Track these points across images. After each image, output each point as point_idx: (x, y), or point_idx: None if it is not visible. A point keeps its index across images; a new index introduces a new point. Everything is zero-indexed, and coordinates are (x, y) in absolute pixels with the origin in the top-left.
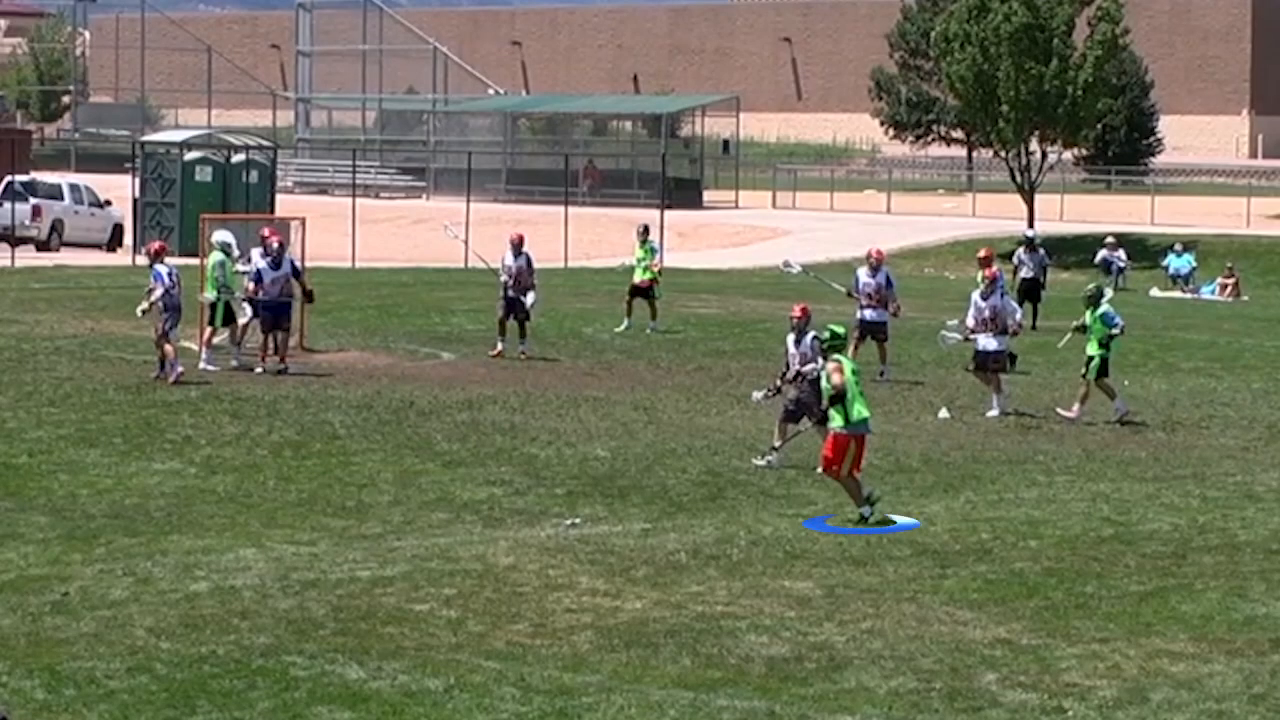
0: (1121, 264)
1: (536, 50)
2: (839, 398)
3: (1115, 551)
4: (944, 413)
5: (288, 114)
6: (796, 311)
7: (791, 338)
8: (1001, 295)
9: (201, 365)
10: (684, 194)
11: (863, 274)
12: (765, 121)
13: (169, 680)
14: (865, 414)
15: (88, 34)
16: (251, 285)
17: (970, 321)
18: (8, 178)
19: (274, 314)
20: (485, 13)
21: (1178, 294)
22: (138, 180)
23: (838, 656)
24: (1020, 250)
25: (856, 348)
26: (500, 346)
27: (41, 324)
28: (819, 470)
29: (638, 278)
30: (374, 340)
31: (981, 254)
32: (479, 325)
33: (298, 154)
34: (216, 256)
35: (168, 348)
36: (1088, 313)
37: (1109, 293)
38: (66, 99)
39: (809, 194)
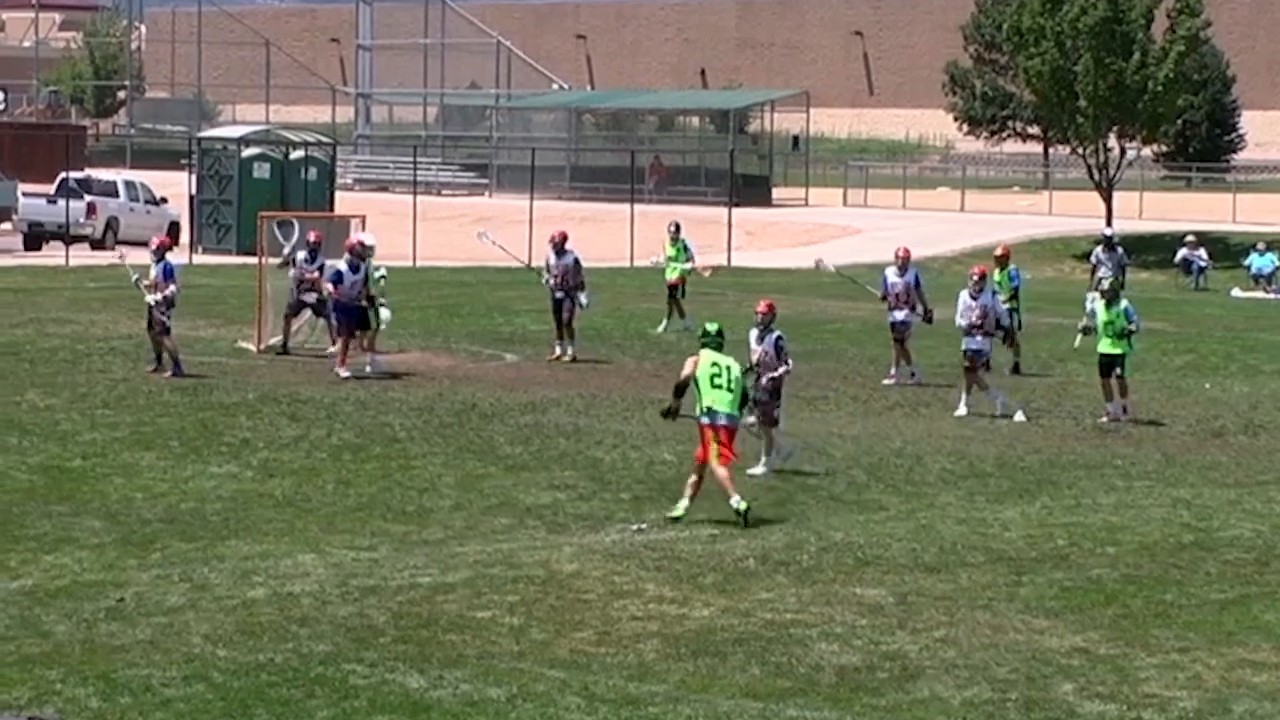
0: (1202, 263)
1: (602, 44)
2: (682, 388)
3: (1195, 558)
4: (1019, 415)
5: (347, 109)
6: (762, 307)
7: (755, 334)
8: (992, 295)
9: (368, 370)
10: (752, 191)
11: (890, 274)
12: (836, 117)
13: (226, 689)
14: (711, 405)
15: (143, 28)
16: (330, 287)
17: (960, 321)
18: (62, 174)
19: (352, 317)
20: (549, 6)
21: (1260, 294)
22: (194, 177)
23: (910, 666)
24: (1098, 250)
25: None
26: (558, 350)
27: (96, 324)
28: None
29: (671, 276)
30: (435, 341)
31: (999, 252)
32: (543, 326)
33: (357, 150)
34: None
35: (167, 342)
36: (1104, 309)
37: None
38: (122, 94)
39: (881, 191)
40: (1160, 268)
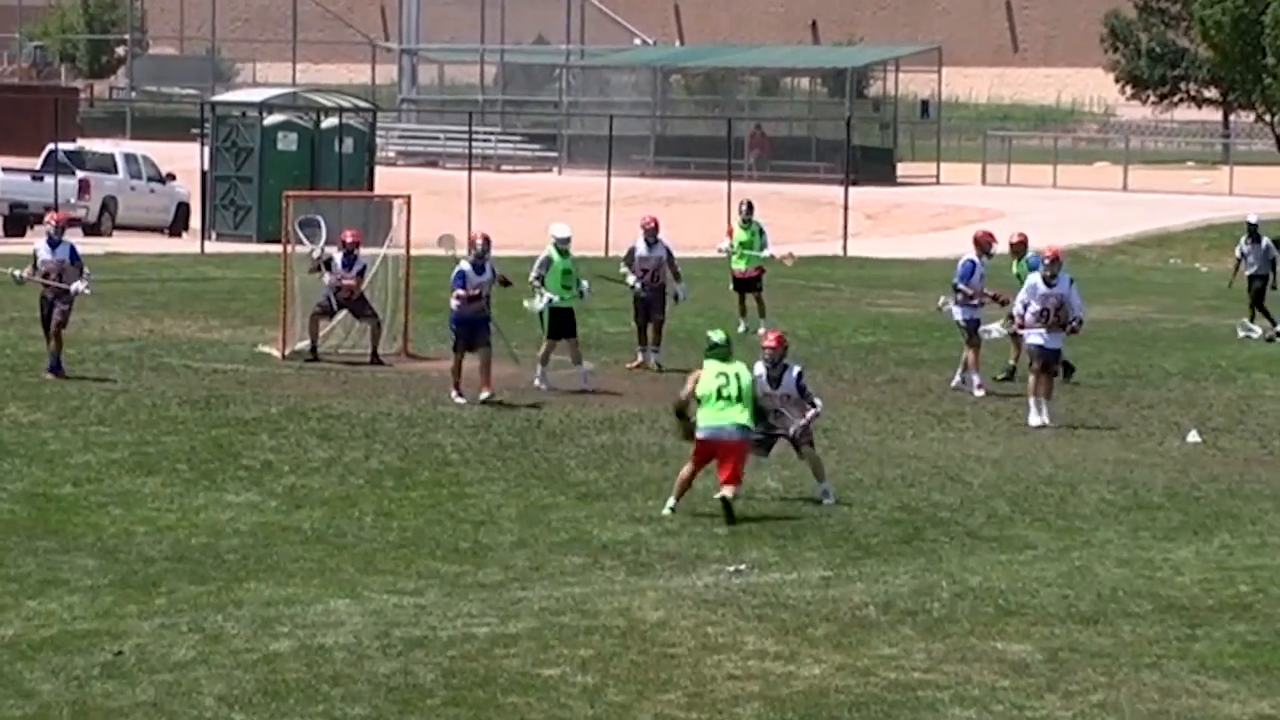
0: None
1: None
2: (681, 409)
3: None
4: (1194, 436)
5: (390, 69)
6: (771, 341)
7: (763, 372)
8: (1070, 284)
9: (535, 383)
10: (873, 167)
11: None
12: (973, 78)
13: None
14: (716, 422)
15: None
16: (459, 293)
17: (1019, 309)
18: (50, 146)
19: (470, 328)
20: None
21: None
22: (207, 150)
23: None
24: (1243, 241)
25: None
26: (640, 357)
27: (90, 325)
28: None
29: (739, 267)
30: (495, 346)
31: (1014, 239)
32: (621, 327)
33: (402, 118)
34: (549, 255)
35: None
36: None
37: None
38: (121, 50)
39: (1026, 167)
40: None
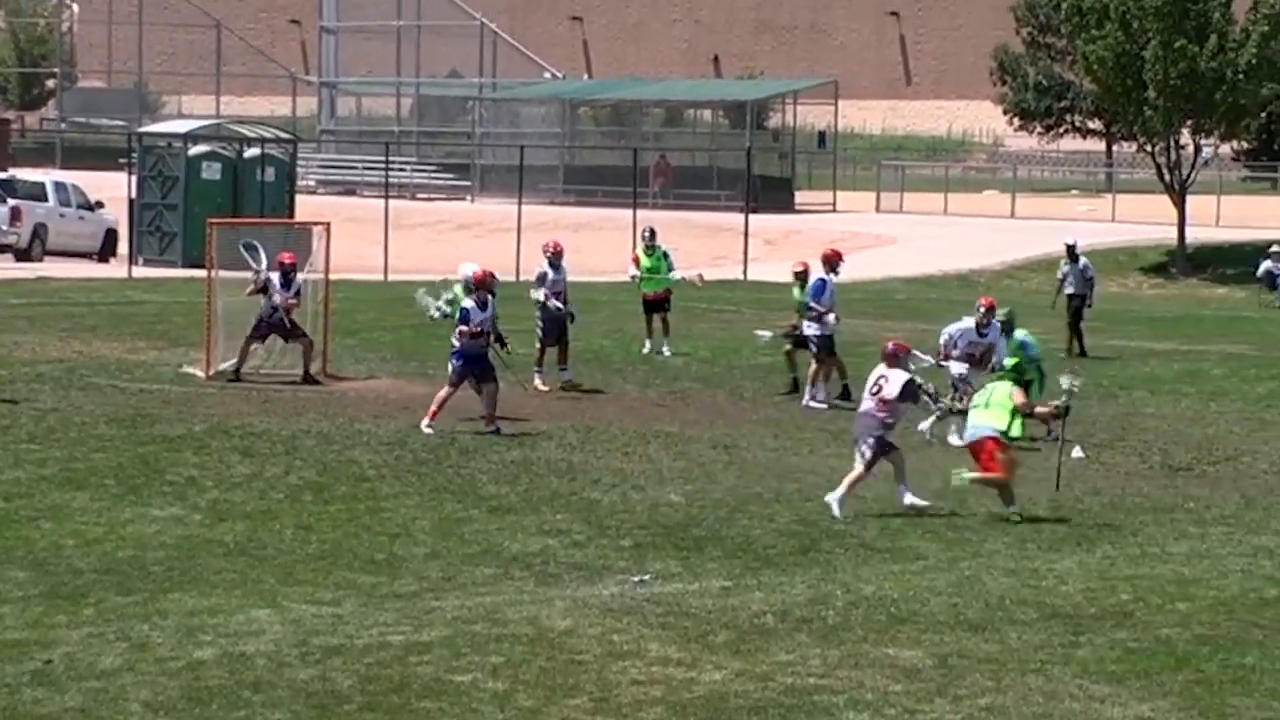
0: None
1: (600, 27)
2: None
3: None
4: (1077, 451)
5: (310, 101)
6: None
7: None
8: (999, 334)
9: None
10: (772, 195)
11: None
12: (868, 110)
13: None
14: (973, 423)
15: (75, 6)
16: (461, 329)
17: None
18: None
19: (475, 364)
20: None
21: None
22: (134, 179)
23: None
24: (1063, 262)
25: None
26: (541, 380)
27: (21, 346)
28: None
29: (649, 290)
30: (409, 366)
31: (797, 267)
32: (532, 349)
33: (321, 148)
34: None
35: None
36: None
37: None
38: (51, 83)
39: (919, 195)
40: (1240, 282)
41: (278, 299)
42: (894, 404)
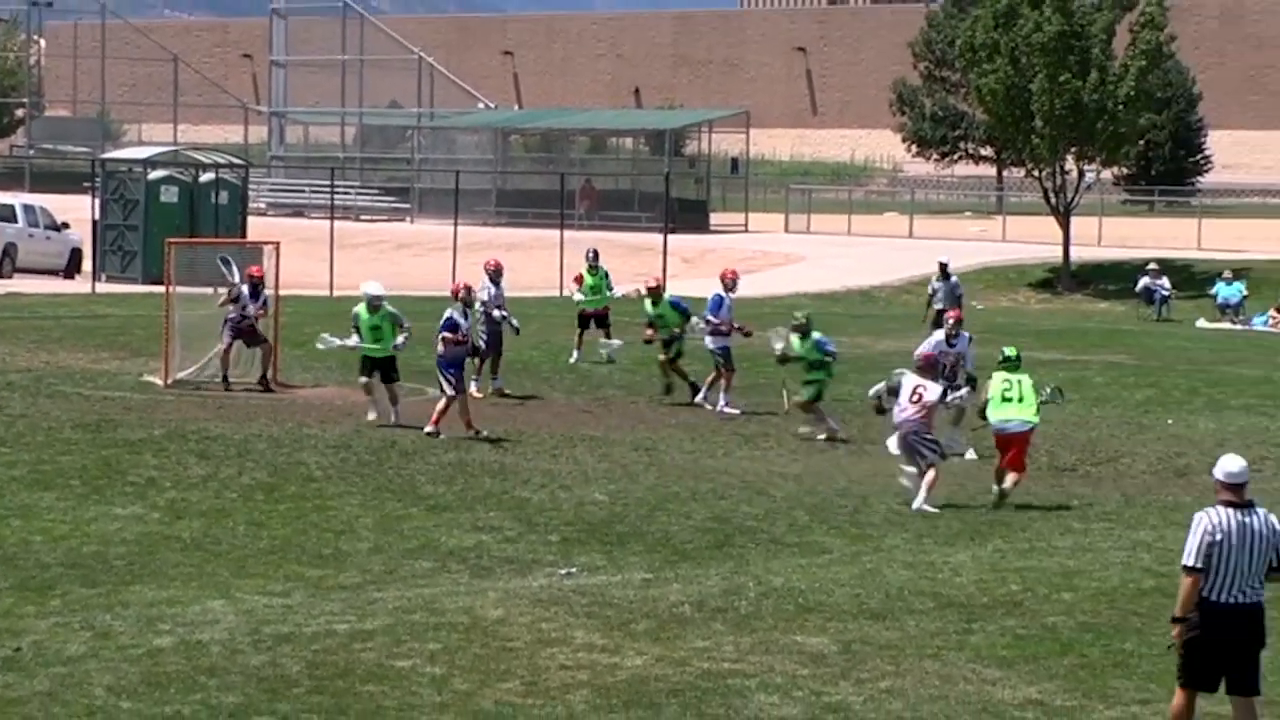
0: (1165, 293)
1: (530, 61)
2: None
3: (1157, 605)
4: (970, 453)
5: (260, 129)
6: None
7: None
8: (968, 342)
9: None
10: (689, 216)
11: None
12: (777, 138)
13: None
14: (1003, 417)
15: (43, 42)
16: (445, 335)
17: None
18: None
19: (461, 370)
20: (475, 20)
21: (1227, 325)
22: (98, 201)
23: (854, 719)
24: (934, 279)
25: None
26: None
27: None
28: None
29: (590, 307)
30: (353, 375)
31: (650, 284)
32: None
33: (271, 173)
34: (357, 310)
35: None
36: (797, 342)
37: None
38: (20, 112)
39: (824, 216)
40: (1120, 297)
41: (250, 309)
42: (932, 408)
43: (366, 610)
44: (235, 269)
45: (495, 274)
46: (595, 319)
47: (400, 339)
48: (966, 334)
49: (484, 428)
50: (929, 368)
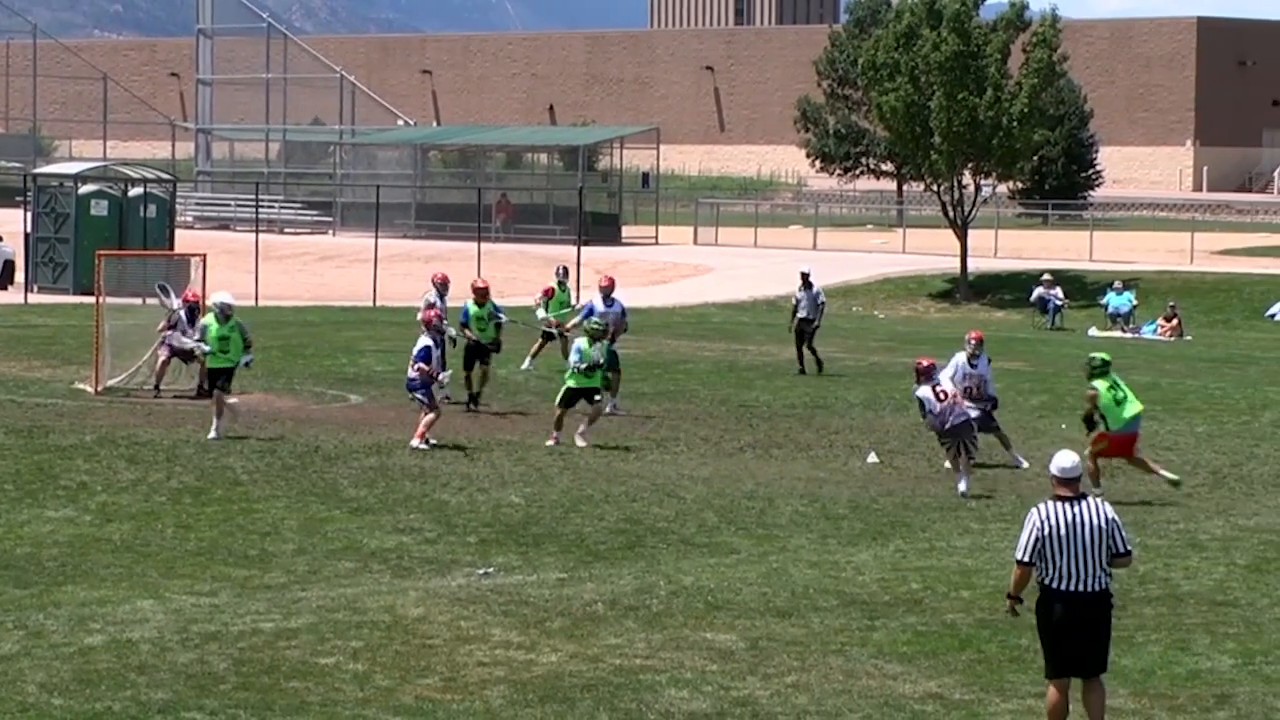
0: (1059, 302)
1: (448, 79)
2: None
3: None
4: (872, 457)
5: (187, 145)
6: (972, 336)
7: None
8: (988, 363)
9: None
10: (602, 229)
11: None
12: (686, 154)
13: None
14: (1132, 413)
15: None
16: (421, 366)
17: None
18: None
19: (428, 390)
20: (394, 40)
21: (1117, 334)
22: (30, 215)
23: (761, 712)
24: (797, 289)
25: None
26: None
27: None
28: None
29: (555, 318)
30: (278, 382)
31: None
32: (388, 366)
33: (198, 187)
34: (207, 321)
35: None
36: (588, 346)
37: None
38: None
39: (732, 229)
40: (1016, 306)
41: (189, 340)
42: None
43: (291, 609)
44: (173, 295)
45: (442, 286)
46: (558, 332)
47: (247, 358)
48: (985, 356)
49: (432, 437)
50: (924, 373)
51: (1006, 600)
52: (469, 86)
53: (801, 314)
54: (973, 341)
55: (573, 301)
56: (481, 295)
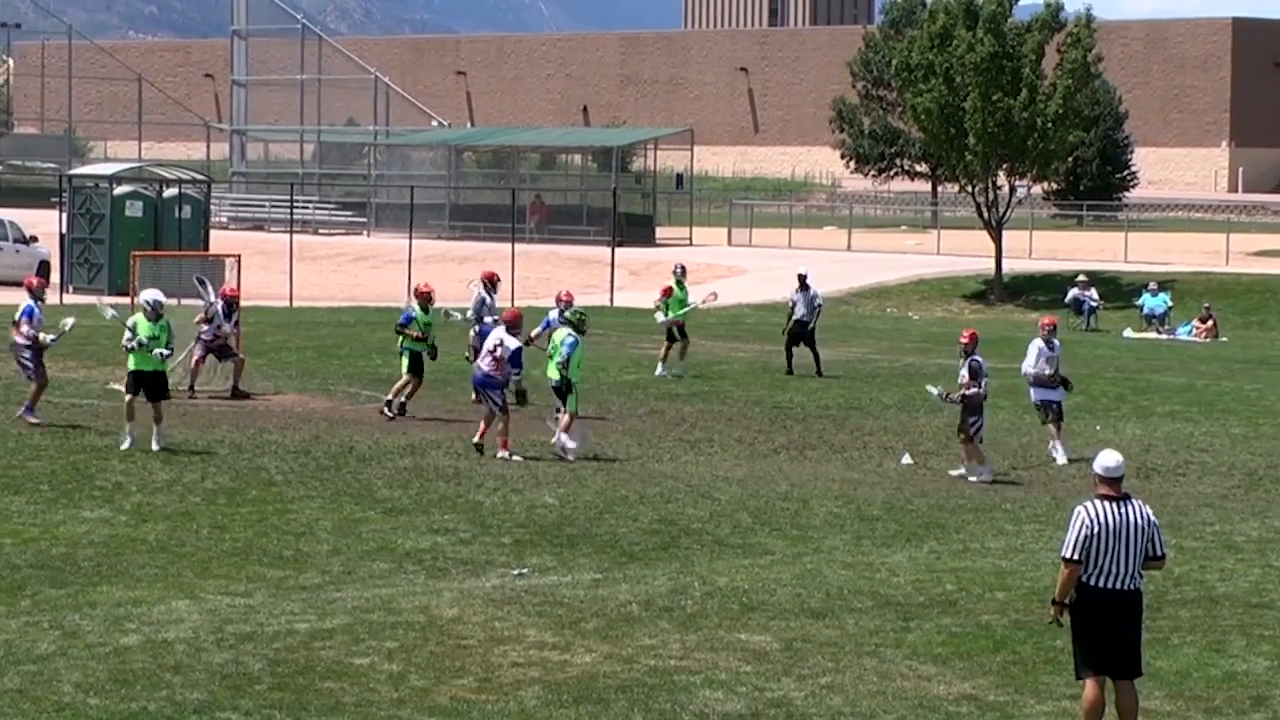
0: (1093, 304)
1: (482, 80)
2: None
3: None
4: (906, 458)
5: (222, 146)
6: (964, 337)
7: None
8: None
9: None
10: (636, 230)
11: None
12: (720, 155)
13: None
14: None
15: (11, 62)
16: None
17: (1029, 369)
18: None
19: (496, 388)
20: (429, 41)
21: (1152, 335)
22: (65, 215)
23: (796, 713)
24: (794, 290)
25: None
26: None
27: None
28: None
29: (670, 316)
30: (312, 383)
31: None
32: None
33: (232, 188)
34: (134, 320)
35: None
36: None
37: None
38: None
39: (766, 230)
40: (1050, 308)
41: (226, 327)
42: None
43: (326, 610)
44: (211, 289)
45: (491, 284)
46: (679, 328)
47: (164, 351)
48: (1056, 340)
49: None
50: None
51: (1051, 607)
52: (503, 87)
53: (796, 315)
54: (1047, 326)
55: (691, 300)
56: (425, 299)
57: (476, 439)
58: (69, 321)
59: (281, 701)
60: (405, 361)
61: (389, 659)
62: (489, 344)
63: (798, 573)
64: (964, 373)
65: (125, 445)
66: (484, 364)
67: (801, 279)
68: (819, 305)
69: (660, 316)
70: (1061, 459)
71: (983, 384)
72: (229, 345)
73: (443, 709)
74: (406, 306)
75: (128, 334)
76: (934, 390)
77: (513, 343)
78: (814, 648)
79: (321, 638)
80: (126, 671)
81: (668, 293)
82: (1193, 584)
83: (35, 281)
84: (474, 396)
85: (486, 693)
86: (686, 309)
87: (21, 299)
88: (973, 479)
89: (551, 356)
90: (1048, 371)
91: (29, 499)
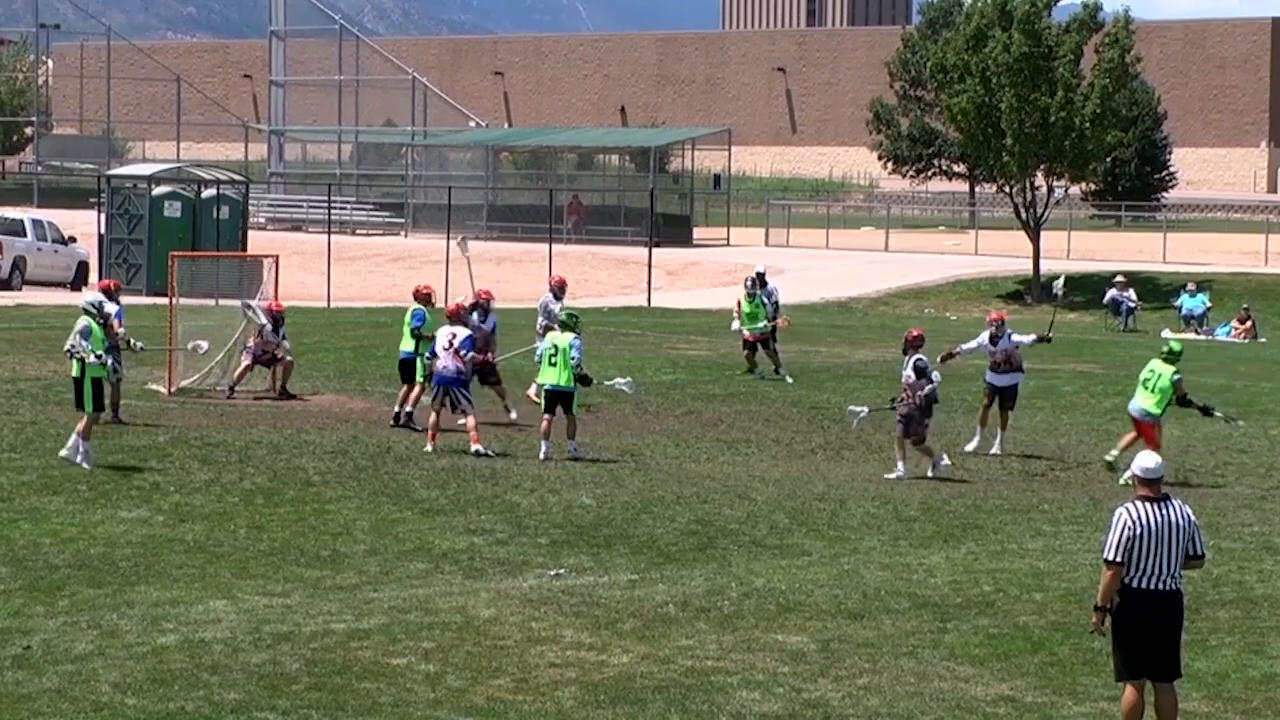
0: (1132, 304)
1: (519, 81)
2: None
3: None
4: (944, 460)
5: (260, 147)
6: (914, 332)
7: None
8: (1010, 338)
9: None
10: (673, 231)
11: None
12: (758, 155)
13: None
14: (1133, 401)
15: (50, 62)
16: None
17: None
18: None
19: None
20: (466, 42)
21: (1191, 336)
22: (104, 216)
23: (833, 714)
24: (749, 287)
25: None
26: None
27: (2, 366)
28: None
29: (747, 332)
30: (350, 383)
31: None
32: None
33: (271, 189)
34: (87, 323)
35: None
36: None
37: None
38: (29, 130)
39: (803, 231)
40: (1088, 308)
41: (275, 339)
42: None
43: (363, 610)
44: (258, 311)
45: (559, 289)
46: (759, 342)
47: (96, 354)
48: (1009, 331)
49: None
50: (915, 345)
51: (1094, 613)
52: (540, 88)
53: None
54: (995, 321)
55: (762, 321)
56: (426, 301)
57: (429, 446)
58: (203, 344)
59: (318, 701)
60: (420, 367)
61: (426, 659)
62: (442, 341)
63: (835, 573)
64: (909, 373)
65: (63, 454)
66: (450, 362)
67: (760, 276)
68: (777, 301)
69: (735, 325)
70: (995, 449)
71: (934, 379)
72: (276, 355)
73: (479, 709)
74: (414, 310)
75: (83, 342)
76: (859, 409)
77: (463, 332)
78: (851, 648)
79: (358, 638)
80: (164, 671)
81: (739, 306)
82: (1231, 585)
83: (113, 284)
84: (432, 398)
85: (523, 693)
86: (760, 325)
87: (57, 299)
88: (930, 474)
89: (552, 364)
90: (999, 359)
91: (68, 499)
